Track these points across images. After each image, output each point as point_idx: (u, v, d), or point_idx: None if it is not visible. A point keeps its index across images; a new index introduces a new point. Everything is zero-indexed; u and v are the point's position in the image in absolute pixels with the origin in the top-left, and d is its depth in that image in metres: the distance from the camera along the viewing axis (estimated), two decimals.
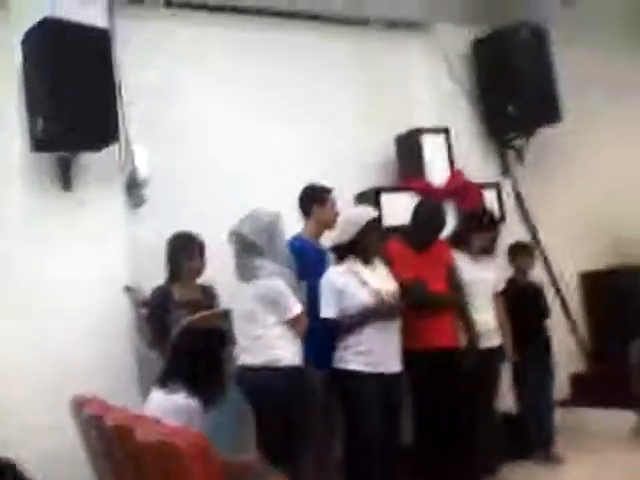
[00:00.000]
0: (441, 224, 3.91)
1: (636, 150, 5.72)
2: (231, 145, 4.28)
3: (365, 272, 3.48)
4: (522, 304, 4.34)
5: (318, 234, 3.82)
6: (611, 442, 4.49)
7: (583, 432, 4.66)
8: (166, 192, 3.94)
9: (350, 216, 3.59)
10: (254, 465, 2.68)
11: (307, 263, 3.54)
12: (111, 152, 3.76)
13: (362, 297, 3.42)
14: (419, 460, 3.69)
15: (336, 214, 3.78)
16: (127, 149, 3.85)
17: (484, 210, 4.33)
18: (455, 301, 3.86)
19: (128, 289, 3.56)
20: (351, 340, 3.42)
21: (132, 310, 3.57)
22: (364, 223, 3.47)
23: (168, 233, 3.61)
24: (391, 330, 3.46)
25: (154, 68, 4.06)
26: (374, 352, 3.39)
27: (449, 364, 3.66)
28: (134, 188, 3.88)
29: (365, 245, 3.49)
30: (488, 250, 4.16)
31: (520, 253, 4.61)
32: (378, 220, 3.61)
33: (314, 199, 3.79)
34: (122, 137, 3.74)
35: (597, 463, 4.20)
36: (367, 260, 3.51)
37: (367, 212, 3.58)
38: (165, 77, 4.10)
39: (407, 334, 3.62)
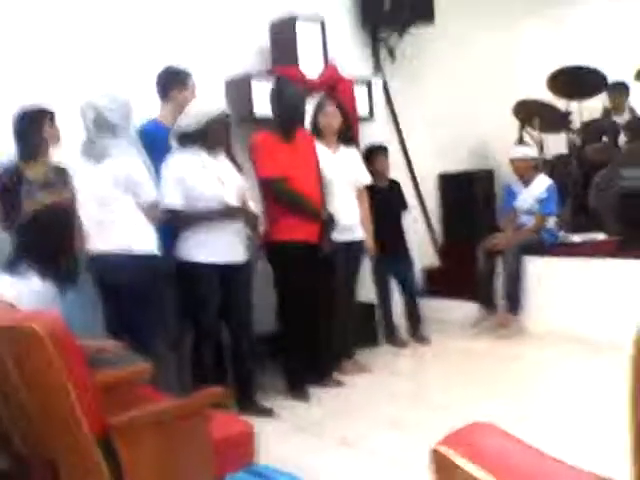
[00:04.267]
0: (303, 101, 3.84)
1: (500, 56, 5.91)
2: (88, 15, 3.88)
3: (209, 162, 3.40)
4: (379, 202, 4.46)
5: (174, 120, 3.54)
6: (456, 330, 4.88)
7: (432, 320, 5.01)
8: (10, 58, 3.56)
9: (201, 105, 3.43)
10: (113, 349, 2.59)
11: (157, 149, 3.34)
12: None
13: (204, 188, 3.34)
14: (281, 346, 3.81)
15: (195, 100, 3.56)
16: None
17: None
18: (314, 211, 3.74)
19: None
20: (191, 232, 3.35)
21: None
22: (216, 114, 3.38)
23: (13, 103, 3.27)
24: (234, 227, 3.41)
25: None
26: (214, 244, 3.34)
27: (310, 255, 3.71)
28: None
29: (212, 135, 3.38)
30: (345, 139, 4.13)
31: (375, 155, 4.66)
32: (227, 116, 3.48)
33: (175, 82, 3.54)
34: None
35: (441, 345, 4.66)
36: (211, 151, 3.42)
37: (219, 106, 3.50)
38: None
39: (271, 226, 3.65)
